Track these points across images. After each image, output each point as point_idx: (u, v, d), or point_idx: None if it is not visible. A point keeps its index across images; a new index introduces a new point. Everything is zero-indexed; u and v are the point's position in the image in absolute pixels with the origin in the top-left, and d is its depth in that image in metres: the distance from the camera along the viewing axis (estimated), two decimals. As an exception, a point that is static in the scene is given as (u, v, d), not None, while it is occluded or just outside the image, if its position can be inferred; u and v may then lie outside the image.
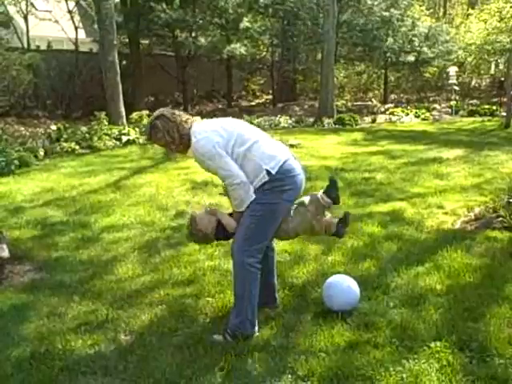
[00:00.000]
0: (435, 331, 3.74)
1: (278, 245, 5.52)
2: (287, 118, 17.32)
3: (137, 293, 4.66)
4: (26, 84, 16.21)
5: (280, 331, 3.87)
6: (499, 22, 23.39)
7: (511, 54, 17.29)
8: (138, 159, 11.09)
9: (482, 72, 26.60)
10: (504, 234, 5.72)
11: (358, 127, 16.68)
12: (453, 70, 19.89)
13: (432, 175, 8.76)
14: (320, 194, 3.92)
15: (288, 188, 3.76)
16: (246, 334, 3.75)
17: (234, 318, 3.81)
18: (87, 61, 18.69)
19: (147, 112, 15.14)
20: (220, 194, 4.24)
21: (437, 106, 22.12)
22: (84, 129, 13.31)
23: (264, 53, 24.68)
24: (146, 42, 21.08)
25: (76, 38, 19.17)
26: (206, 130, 3.77)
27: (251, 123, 4.38)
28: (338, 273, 4.59)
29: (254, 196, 3.73)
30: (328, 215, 4.01)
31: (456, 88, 20.12)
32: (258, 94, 25.79)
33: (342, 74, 26.08)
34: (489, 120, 17.68)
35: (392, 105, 22.46)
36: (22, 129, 14.66)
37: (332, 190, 3.92)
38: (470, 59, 25.32)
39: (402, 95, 26.28)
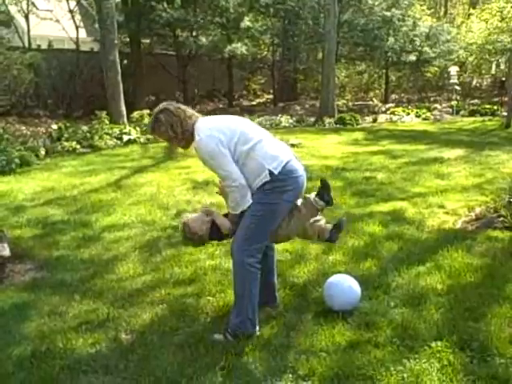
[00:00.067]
0: (436, 331, 3.74)
1: (279, 244, 5.53)
2: (288, 117, 17.33)
3: (138, 292, 4.66)
4: (27, 83, 16.21)
5: (281, 330, 3.87)
6: (500, 21, 23.34)
7: (512, 53, 17.28)
8: (139, 158, 11.10)
9: (483, 72, 26.55)
10: (505, 233, 5.72)
11: (358, 127, 16.68)
12: (454, 70, 19.89)
13: (433, 175, 8.76)
14: (313, 196, 3.92)
15: (289, 189, 3.76)
16: (247, 333, 3.75)
17: (235, 317, 3.81)
18: (88, 60, 18.67)
19: (148, 111, 15.14)
20: (217, 192, 4.23)
21: (438, 105, 22.11)
22: (85, 128, 13.33)
23: (265, 52, 24.67)
24: (147, 41, 21.09)
25: (77, 38, 19.16)
26: (210, 128, 3.75)
27: (252, 122, 4.37)
28: (339, 272, 4.60)
29: (250, 201, 3.74)
30: (322, 221, 4.02)
31: (457, 88, 20.13)
32: (258, 93, 25.78)
33: (343, 74, 26.06)
34: (490, 120, 17.68)
35: (393, 104, 22.46)
36: (23, 128, 14.67)
37: (325, 193, 3.93)
38: (471, 59, 25.27)
39: (402, 95, 26.26)
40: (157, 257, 5.49)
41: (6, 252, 5.30)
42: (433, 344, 3.55)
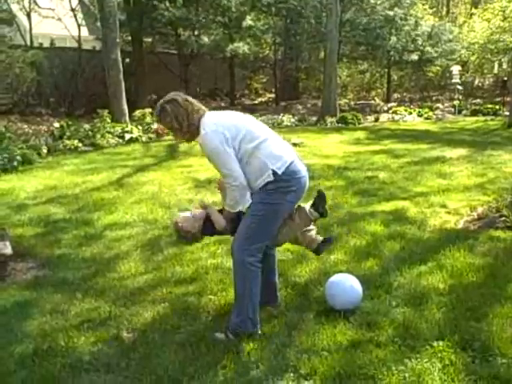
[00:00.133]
0: (438, 330, 3.74)
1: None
2: (290, 116, 17.33)
3: (139, 290, 4.66)
4: (29, 82, 16.24)
5: (282, 329, 3.86)
6: (502, 21, 23.33)
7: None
8: (141, 157, 11.11)
9: (486, 71, 26.58)
10: (507, 233, 5.71)
11: (360, 126, 16.68)
12: (456, 69, 19.89)
13: (435, 174, 8.75)
14: (308, 207, 3.92)
15: (293, 189, 3.75)
16: (248, 332, 3.75)
17: (235, 316, 3.80)
18: (90, 59, 18.71)
19: (150, 110, 15.16)
20: (215, 187, 4.22)
21: (440, 105, 22.12)
22: (87, 126, 13.35)
23: (267, 51, 24.68)
24: (149, 39, 21.12)
25: (79, 36, 19.19)
26: (216, 123, 3.72)
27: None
28: (341, 272, 4.59)
29: (249, 201, 3.75)
30: (313, 231, 4.03)
31: (459, 87, 20.11)
32: (260, 92, 25.80)
33: (344, 73, 26.07)
34: (492, 119, 17.67)
35: (395, 104, 22.46)
36: (25, 126, 14.68)
37: (320, 204, 3.94)
38: (473, 58, 25.28)
39: (404, 94, 26.27)
40: (158, 255, 5.49)
41: (8, 250, 5.30)
42: (434, 344, 3.54)
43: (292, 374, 3.33)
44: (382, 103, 22.65)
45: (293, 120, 16.99)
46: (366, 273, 4.80)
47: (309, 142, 12.47)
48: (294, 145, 10.96)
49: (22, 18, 19.90)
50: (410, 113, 19.02)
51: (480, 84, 27.45)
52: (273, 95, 24.18)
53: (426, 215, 6.54)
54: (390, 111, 19.63)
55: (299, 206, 3.95)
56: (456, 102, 20.09)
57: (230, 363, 3.45)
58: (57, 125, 13.81)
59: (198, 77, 21.44)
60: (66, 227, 6.50)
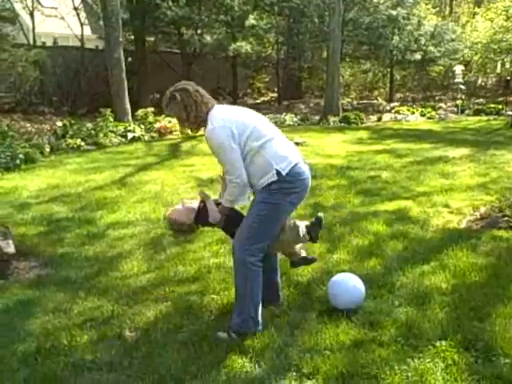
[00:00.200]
0: (440, 330, 3.73)
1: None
2: (292, 115, 17.31)
3: (142, 289, 4.67)
4: (32, 80, 16.24)
5: (285, 329, 3.86)
6: (505, 20, 23.27)
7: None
8: (144, 156, 11.11)
9: (488, 71, 26.51)
10: (510, 233, 5.70)
11: (363, 126, 16.67)
12: (459, 69, 19.84)
13: (438, 174, 8.74)
14: (303, 228, 3.92)
15: (295, 191, 3.75)
16: (250, 331, 3.75)
17: (236, 316, 3.81)
18: (93, 58, 18.69)
19: (152, 109, 15.17)
20: (220, 176, 4.17)
21: (442, 104, 22.08)
22: (89, 125, 13.35)
23: (269, 50, 24.66)
24: (152, 39, 21.10)
25: (82, 35, 19.17)
26: (223, 119, 3.69)
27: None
28: (343, 271, 4.59)
29: (246, 200, 3.79)
30: (299, 244, 4.04)
31: (462, 87, 20.07)
32: (263, 91, 25.78)
33: (347, 73, 26.04)
34: (495, 119, 17.65)
35: (398, 103, 22.43)
36: (28, 125, 14.68)
37: (314, 230, 3.95)
38: (476, 58, 25.23)
39: (407, 94, 26.23)
40: (161, 254, 5.49)
41: (11, 249, 5.31)
42: (437, 343, 3.54)
43: (294, 374, 3.33)
44: (384, 103, 22.63)
45: (295, 119, 16.98)
46: (368, 272, 4.80)
47: (311, 141, 12.47)
48: (297, 144, 10.95)
49: (24, 16, 19.88)
50: (413, 112, 19.00)
51: (483, 84, 27.41)
52: (275, 94, 24.17)
53: (428, 215, 6.54)
54: (393, 111, 19.60)
55: (295, 222, 3.94)
56: (459, 102, 20.05)
57: (233, 362, 3.46)
58: (59, 124, 13.82)
59: (200, 76, 21.37)
60: (68, 226, 6.50)
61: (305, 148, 11.18)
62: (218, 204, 3.94)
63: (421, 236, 5.80)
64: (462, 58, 24.03)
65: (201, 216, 3.95)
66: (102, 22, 16.56)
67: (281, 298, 4.25)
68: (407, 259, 5.06)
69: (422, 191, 7.70)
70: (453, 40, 23.34)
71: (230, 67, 22.19)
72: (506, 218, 5.99)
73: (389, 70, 24.59)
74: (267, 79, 25.81)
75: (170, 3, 18.10)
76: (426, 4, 25.80)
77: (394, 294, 4.35)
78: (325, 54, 21.15)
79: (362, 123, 16.99)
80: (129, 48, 18.97)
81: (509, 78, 24.23)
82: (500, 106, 19.64)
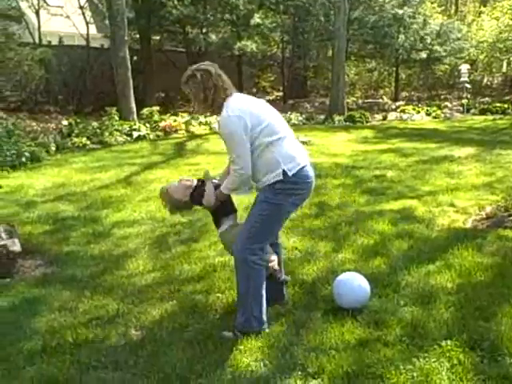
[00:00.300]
0: (446, 330, 3.72)
1: (288, 242, 5.54)
2: (298, 114, 17.31)
3: (147, 288, 4.67)
4: (38, 79, 16.28)
5: (290, 328, 3.86)
6: (511, 19, 23.22)
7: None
8: (149, 155, 11.13)
9: (494, 70, 26.45)
10: (515, 232, 5.69)
11: (368, 125, 16.65)
12: (465, 68, 19.79)
13: (443, 173, 8.71)
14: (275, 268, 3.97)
15: (298, 193, 3.75)
16: (254, 330, 3.75)
17: (240, 316, 3.81)
18: (98, 56, 18.73)
19: (158, 108, 15.19)
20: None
21: (448, 103, 22.02)
22: (95, 124, 13.39)
23: (275, 49, 24.66)
24: (157, 37, 21.12)
25: (87, 34, 19.20)
26: (240, 108, 3.64)
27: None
28: (349, 270, 4.58)
29: (246, 192, 3.80)
30: (275, 262, 4.02)
31: (468, 86, 20.01)
32: (268, 90, 25.77)
33: (352, 71, 26.02)
34: (500, 118, 17.60)
35: (403, 102, 22.37)
36: (34, 124, 14.73)
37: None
38: (481, 57, 25.17)
39: (413, 93, 26.17)
40: (166, 253, 5.50)
41: (17, 247, 5.33)
42: (443, 343, 3.53)
43: (300, 373, 3.33)
44: (389, 102, 22.59)
45: (300, 118, 16.97)
46: (373, 271, 4.79)
47: (316, 140, 12.46)
48: (302, 143, 10.89)
49: (30, 15, 19.93)
50: (418, 111, 18.95)
51: (489, 83, 27.33)
52: (280, 93, 24.16)
53: (434, 214, 6.52)
54: (398, 110, 19.56)
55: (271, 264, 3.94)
56: (464, 101, 20.00)
57: (238, 361, 3.46)
58: (65, 122, 13.87)
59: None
60: (74, 225, 6.52)
61: (310, 147, 11.17)
62: (217, 186, 3.91)
63: (426, 235, 5.78)
64: (467, 57, 23.96)
65: (196, 195, 3.93)
66: (107, 21, 16.61)
67: (286, 297, 4.25)
68: (412, 258, 5.05)
69: (427, 190, 7.68)
70: (458, 39, 23.27)
71: (235, 66, 22.17)
72: (512, 218, 5.98)
73: (394, 68, 24.54)
74: (272, 78, 25.81)
75: (176, 2, 18.14)
76: (432, 3, 25.76)
77: (399, 294, 4.34)
78: (330, 53, 21.16)
79: (367, 122, 16.97)
80: (134, 47, 19.01)
81: (515, 76, 24.17)
82: (506, 105, 19.56)
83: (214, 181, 3.99)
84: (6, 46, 14.97)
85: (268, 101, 3.99)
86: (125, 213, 6.92)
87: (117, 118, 13.70)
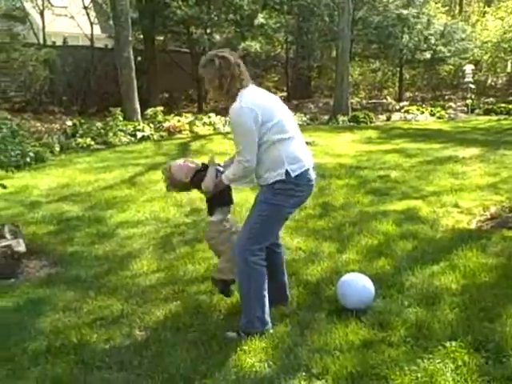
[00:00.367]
0: (450, 331, 3.72)
1: (293, 243, 5.54)
2: (302, 115, 17.30)
3: (151, 289, 4.68)
4: (42, 80, 16.33)
5: (294, 329, 3.86)
6: (516, 19, 23.20)
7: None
8: (153, 155, 11.13)
9: (499, 70, 26.40)
10: (520, 233, 5.68)
11: (372, 125, 16.63)
12: (469, 68, 19.74)
13: (447, 174, 8.70)
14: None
15: (298, 195, 3.75)
16: (257, 331, 3.74)
17: (243, 317, 3.82)
18: (102, 57, 18.77)
19: (162, 108, 15.20)
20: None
21: (452, 104, 21.98)
22: (99, 125, 13.41)
23: (279, 50, 24.65)
24: (161, 38, 21.14)
25: (91, 34, 19.25)
26: (253, 102, 3.61)
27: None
28: (353, 271, 4.59)
29: (246, 185, 3.77)
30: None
31: (472, 86, 19.97)
32: (272, 90, 25.71)
33: (356, 72, 25.99)
34: (505, 119, 17.54)
35: (407, 103, 22.33)
36: (38, 124, 14.76)
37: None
38: (486, 57, 25.12)
39: (417, 93, 26.13)
40: (170, 254, 5.51)
41: (22, 248, 5.35)
42: (447, 344, 3.52)
43: (304, 374, 3.33)
44: (394, 102, 22.54)
45: (304, 119, 16.97)
46: (377, 272, 4.79)
47: (320, 140, 12.45)
48: (306, 144, 10.91)
49: (35, 16, 19.99)
50: (422, 112, 18.92)
51: (493, 83, 27.26)
52: (284, 94, 24.13)
53: (438, 215, 6.51)
54: (402, 110, 19.53)
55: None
56: (469, 101, 19.95)
57: (242, 362, 3.46)
58: (69, 123, 13.89)
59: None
60: (78, 225, 6.53)
61: (314, 147, 11.14)
62: (218, 172, 3.90)
63: (430, 236, 5.78)
64: (471, 58, 23.91)
65: (196, 178, 3.93)
66: (111, 22, 16.63)
67: (289, 298, 4.24)
68: (417, 259, 5.04)
69: (431, 191, 7.67)
70: (463, 39, 23.22)
71: (239, 66, 22.17)
72: (517, 218, 5.96)
73: (398, 69, 24.50)
74: (276, 78, 25.79)
75: (180, 2, 18.16)
76: (436, 3, 25.69)
77: (403, 294, 4.33)
78: (334, 53, 21.14)
79: (371, 123, 16.95)
80: (138, 47, 19.02)
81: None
82: (510, 106, 19.49)
83: (218, 168, 3.97)
84: (11, 47, 15.00)
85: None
86: (129, 213, 6.93)
87: (121, 119, 13.72)
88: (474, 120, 17.95)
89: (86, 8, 19.54)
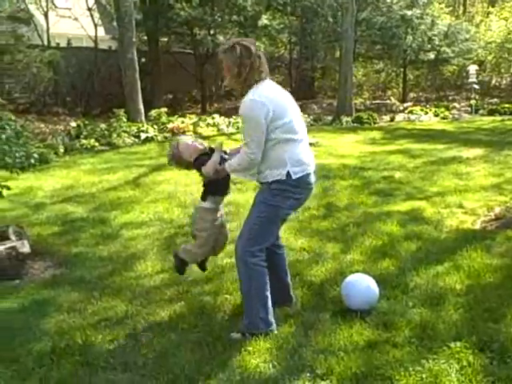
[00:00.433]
0: (455, 331, 3.71)
1: (297, 243, 5.54)
2: (305, 116, 17.27)
3: (156, 289, 4.68)
4: (46, 81, 16.38)
5: (299, 329, 3.86)
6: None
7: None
8: (157, 156, 11.13)
9: (503, 71, 26.34)
10: (525, 234, 5.66)
11: (376, 126, 16.61)
12: (473, 69, 19.72)
13: (451, 174, 8.69)
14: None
15: (296, 197, 3.76)
16: (261, 332, 3.74)
17: (245, 318, 3.82)
18: (106, 58, 18.80)
19: (166, 109, 15.21)
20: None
21: (456, 104, 21.94)
22: (103, 126, 13.42)
23: (282, 50, 24.65)
24: (165, 39, 21.16)
25: (95, 36, 19.28)
26: (267, 96, 3.59)
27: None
28: (357, 272, 4.58)
29: (248, 178, 3.87)
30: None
31: (476, 87, 19.94)
32: (276, 91, 25.74)
33: (360, 73, 25.98)
34: (509, 119, 17.51)
35: (411, 103, 22.31)
36: (42, 126, 14.79)
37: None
38: (490, 58, 25.09)
39: (420, 94, 26.10)
40: (175, 255, 5.50)
41: (26, 249, 5.36)
42: (452, 345, 3.52)
43: (308, 374, 3.33)
44: (397, 103, 22.51)
45: (308, 119, 16.93)
46: (382, 273, 4.78)
47: (324, 141, 12.45)
48: (310, 144, 10.91)
49: (39, 17, 20.04)
50: (426, 112, 18.89)
51: (497, 83, 27.20)
52: (288, 94, 24.14)
53: (442, 215, 6.51)
54: (406, 111, 19.50)
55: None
56: (473, 102, 19.92)
57: (246, 363, 3.46)
58: (73, 124, 13.91)
59: (213, 76, 21.45)
60: (83, 226, 6.54)
61: (318, 148, 11.16)
62: (222, 159, 3.89)
63: (435, 237, 5.77)
64: (475, 58, 23.88)
65: (200, 160, 3.92)
66: (115, 23, 16.63)
67: (293, 299, 4.24)
68: (421, 260, 5.04)
69: (435, 192, 7.66)
70: (466, 40, 23.19)
71: (242, 67, 22.19)
72: (521, 219, 5.95)
73: (402, 69, 24.47)
74: (280, 79, 25.79)
75: (183, 4, 18.17)
76: (440, 3, 25.65)
77: (407, 295, 4.33)
78: (338, 54, 21.10)
79: (374, 123, 16.93)
80: (142, 48, 19.05)
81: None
82: (514, 106, 19.49)
83: (223, 155, 3.96)
84: (15, 48, 15.05)
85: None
86: (133, 214, 6.94)
87: (125, 120, 13.72)
88: (478, 120, 17.92)
89: (89, 9, 19.58)
